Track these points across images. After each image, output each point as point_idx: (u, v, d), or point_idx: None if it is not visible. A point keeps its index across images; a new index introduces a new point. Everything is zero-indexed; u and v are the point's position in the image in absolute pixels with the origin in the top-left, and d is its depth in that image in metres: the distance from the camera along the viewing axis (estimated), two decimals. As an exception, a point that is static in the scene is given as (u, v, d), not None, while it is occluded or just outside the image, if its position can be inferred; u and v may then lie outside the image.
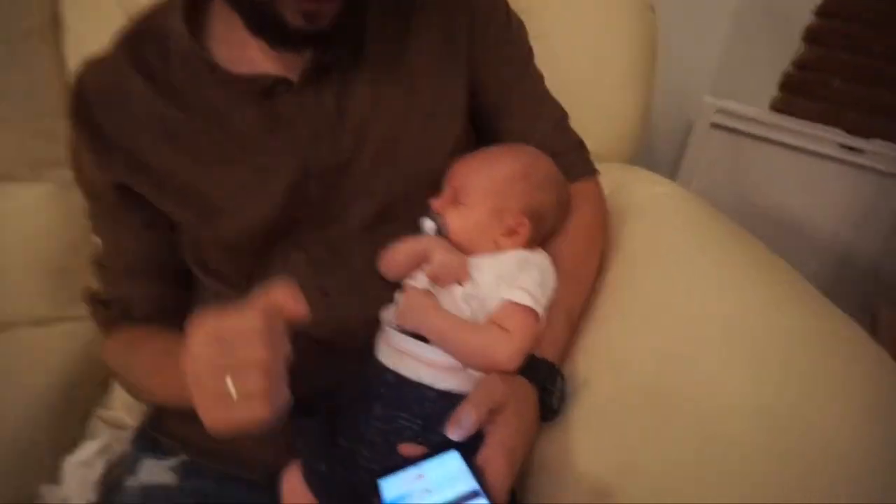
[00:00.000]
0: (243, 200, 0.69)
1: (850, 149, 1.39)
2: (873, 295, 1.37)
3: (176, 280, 0.78)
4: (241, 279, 0.72)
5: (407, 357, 0.66)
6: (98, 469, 0.83)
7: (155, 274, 0.77)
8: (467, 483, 0.53)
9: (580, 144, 0.85)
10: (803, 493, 0.48)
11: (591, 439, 0.65)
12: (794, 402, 0.53)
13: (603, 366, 0.70)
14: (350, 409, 0.67)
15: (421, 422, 0.62)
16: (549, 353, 0.69)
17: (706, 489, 0.53)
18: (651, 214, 0.85)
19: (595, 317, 0.76)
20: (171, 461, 0.76)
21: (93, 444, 0.86)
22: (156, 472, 0.75)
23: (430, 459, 0.56)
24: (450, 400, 0.62)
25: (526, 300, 0.66)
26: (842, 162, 1.40)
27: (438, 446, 0.57)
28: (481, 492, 0.53)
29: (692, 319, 0.66)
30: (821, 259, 1.48)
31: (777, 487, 0.49)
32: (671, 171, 1.60)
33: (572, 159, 0.82)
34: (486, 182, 0.72)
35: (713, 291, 0.68)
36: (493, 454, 0.57)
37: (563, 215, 0.78)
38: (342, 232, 0.72)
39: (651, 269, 0.77)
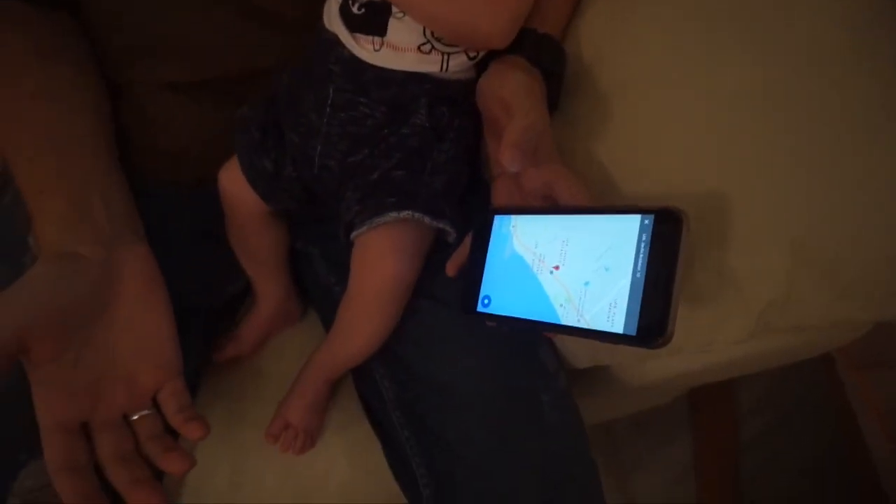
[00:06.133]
0: None
1: None
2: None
3: None
4: None
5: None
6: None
7: None
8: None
9: None
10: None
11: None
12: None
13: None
14: (297, 92, 0.54)
15: (385, 108, 0.51)
16: (549, 25, 0.54)
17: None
18: None
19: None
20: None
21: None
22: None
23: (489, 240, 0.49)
24: (420, 82, 0.51)
25: None
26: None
27: (479, 224, 0.50)
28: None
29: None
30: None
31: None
32: None
33: None
34: None
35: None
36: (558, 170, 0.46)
37: None
38: None
39: None
